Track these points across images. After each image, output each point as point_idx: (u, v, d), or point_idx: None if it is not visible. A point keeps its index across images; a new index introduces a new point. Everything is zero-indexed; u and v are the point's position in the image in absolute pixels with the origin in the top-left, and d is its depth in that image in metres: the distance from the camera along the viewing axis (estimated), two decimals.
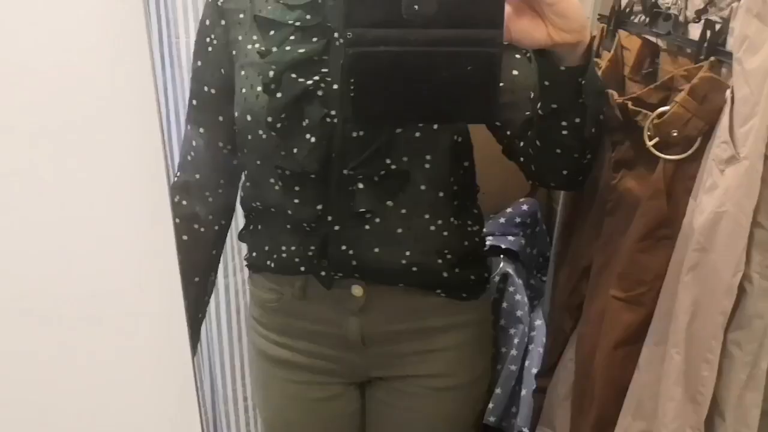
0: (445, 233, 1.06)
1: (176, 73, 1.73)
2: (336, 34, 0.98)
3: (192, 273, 1.13)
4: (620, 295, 1.00)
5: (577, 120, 0.90)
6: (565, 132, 0.92)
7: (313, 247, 1.05)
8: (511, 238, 1.59)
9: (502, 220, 1.62)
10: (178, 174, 1.13)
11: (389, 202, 1.02)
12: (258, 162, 1.05)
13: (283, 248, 1.08)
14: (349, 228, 1.03)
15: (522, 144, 1.01)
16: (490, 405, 1.53)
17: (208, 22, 1.07)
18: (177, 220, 1.11)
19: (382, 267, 1.04)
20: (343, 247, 1.03)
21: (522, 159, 1.03)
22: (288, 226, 1.06)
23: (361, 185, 1.00)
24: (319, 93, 0.98)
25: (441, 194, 1.05)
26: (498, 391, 1.52)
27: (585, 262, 1.16)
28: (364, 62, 0.72)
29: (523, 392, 1.50)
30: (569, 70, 0.84)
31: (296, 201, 1.03)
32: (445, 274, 1.07)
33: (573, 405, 1.15)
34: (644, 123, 0.93)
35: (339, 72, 0.97)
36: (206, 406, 2.08)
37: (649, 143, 0.92)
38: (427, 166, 1.02)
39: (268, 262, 1.11)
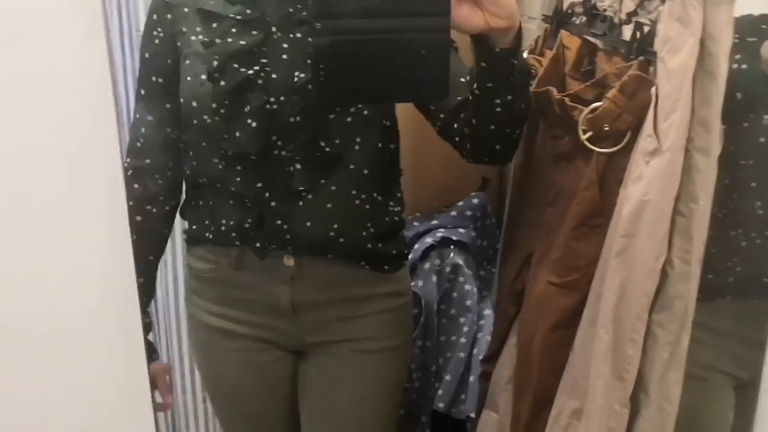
0: (368, 207, 1.15)
1: (136, 64, 1.76)
2: (274, 28, 1.07)
3: (146, 251, 1.22)
4: (556, 280, 1.05)
5: (509, 97, 0.99)
6: (498, 109, 1.00)
7: (249, 221, 1.13)
8: (462, 230, 1.64)
9: (453, 213, 1.67)
10: (128, 160, 1.19)
11: (322, 181, 1.11)
12: (203, 143, 1.13)
13: (222, 221, 1.15)
14: (284, 204, 1.12)
15: (456, 126, 1.10)
16: (440, 392, 1.58)
17: (155, 17, 1.15)
18: (130, 203, 1.16)
19: (312, 239, 1.13)
20: (278, 222, 1.12)
21: (457, 139, 1.11)
22: (230, 201, 1.14)
23: (298, 165, 1.09)
24: (260, 81, 1.07)
25: (366, 172, 1.13)
26: (447, 377, 1.57)
27: (527, 250, 1.22)
28: (331, 50, 0.80)
29: (471, 379, 1.55)
30: (503, 51, 0.93)
31: (238, 179, 1.11)
32: (368, 246, 1.17)
33: (514, 388, 1.21)
34: (579, 118, 0.99)
35: (277, 62, 1.06)
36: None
37: (583, 137, 0.98)
38: (357, 147, 1.11)
39: (207, 234, 1.18)
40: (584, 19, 1.17)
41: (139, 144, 1.17)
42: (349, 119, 1.09)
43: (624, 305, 0.91)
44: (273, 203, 1.11)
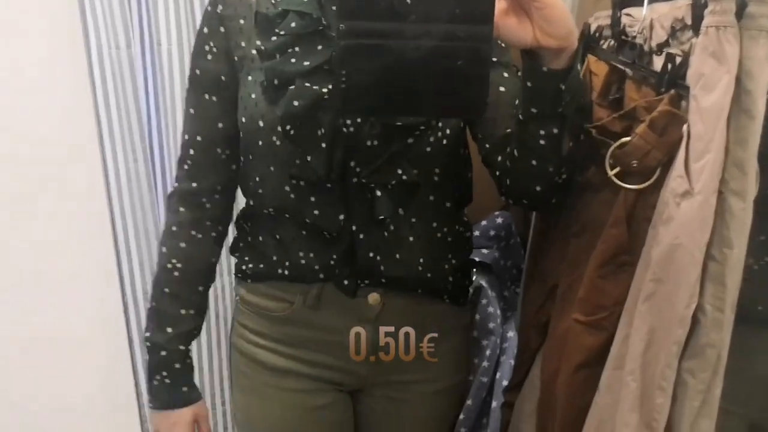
0: (449, 239, 1.11)
1: (158, 78, 1.75)
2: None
3: (194, 281, 1.16)
4: (582, 318, 1.01)
5: (555, 130, 0.90)
6: (542, 141, 0.90)
7: (335, 256, 1.06)
8: (485, 251, 1.60)
9: (476, 233, 1.62)
10: (176, 184, 1.15)
11: (400, 210, 1.05)
12: (271, 168, 1.06)
13: (301, 254, 1.08)
14: (372, 235, 1.05)
15: (499, 158, 1.02)
16: (461, 416, 1.54)
17: (206, 30, 1.08)
18: (174, 228, 1.14)
19: (402, 274, 1.07)
20: (371, 254, 1.06)
21: (498, 173, 1.04)
22: (303, 233, 1.07)
23: (378, 192, 1.03)
24: (333, 101, 1.00)
25: (447, 204, 1.09)
26: (469, 402, 1.53)
27: (552, 281, 1.18)
28: (355, 54, 0.72)
29: (494, 404, 1.51)
30: (551, 72, 0.84)
31: (315, 211, 1.05)
32: (450, 279, 1.12)
33: (537, 423, 1.17)
34: (605, 151, 0.95)
35: None
36: None
37: (611, 172, 0.94)
38: (435, 178, 1.06)
39: (280, 270, 1.11)
40: (612, 43, 1.13)
41: (186, 166, 1.13)
42: (428, 149, 1.03)
43: (653, 352, 0.87)
44: (361, 235, 1.04)
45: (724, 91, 0.78)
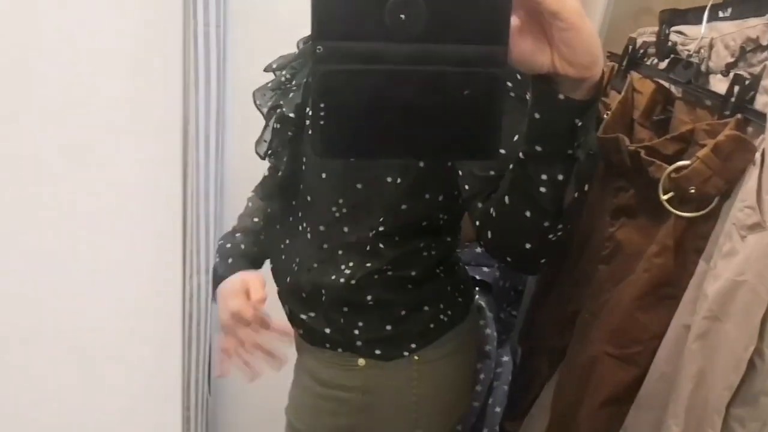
0: None
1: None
2: None
3: None
4: (613, 351, 0.94)
5: (560, 176, 0.73)
6: (542, 189, 0.74)
7: None
8: (486, 269, 1.53)
9: (478, 249, 1.56)
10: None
11: None
12: None
13: None
14: None
15: (481, 205, 0.87)
16: None
17: None
18: None
19: None
20: None
21: (478, 222, 0.88)
22: None
23: None
24: None
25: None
26: (458, 427, 1.46)
27: (573, 306, 1.11)
28: (336, 83, 0.58)
29: (484, 431, 1.44)
30: (568, 102, 0.67)
31: None
32: None
33: None
34: (657, 174, 0.88)
35: None
36: None
37: (664, 197, 0.87)
38: None
39: None
40: (657, 61, 1.07)
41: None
42: None
43: (701, 395, 0.80)
44: None
45: None
